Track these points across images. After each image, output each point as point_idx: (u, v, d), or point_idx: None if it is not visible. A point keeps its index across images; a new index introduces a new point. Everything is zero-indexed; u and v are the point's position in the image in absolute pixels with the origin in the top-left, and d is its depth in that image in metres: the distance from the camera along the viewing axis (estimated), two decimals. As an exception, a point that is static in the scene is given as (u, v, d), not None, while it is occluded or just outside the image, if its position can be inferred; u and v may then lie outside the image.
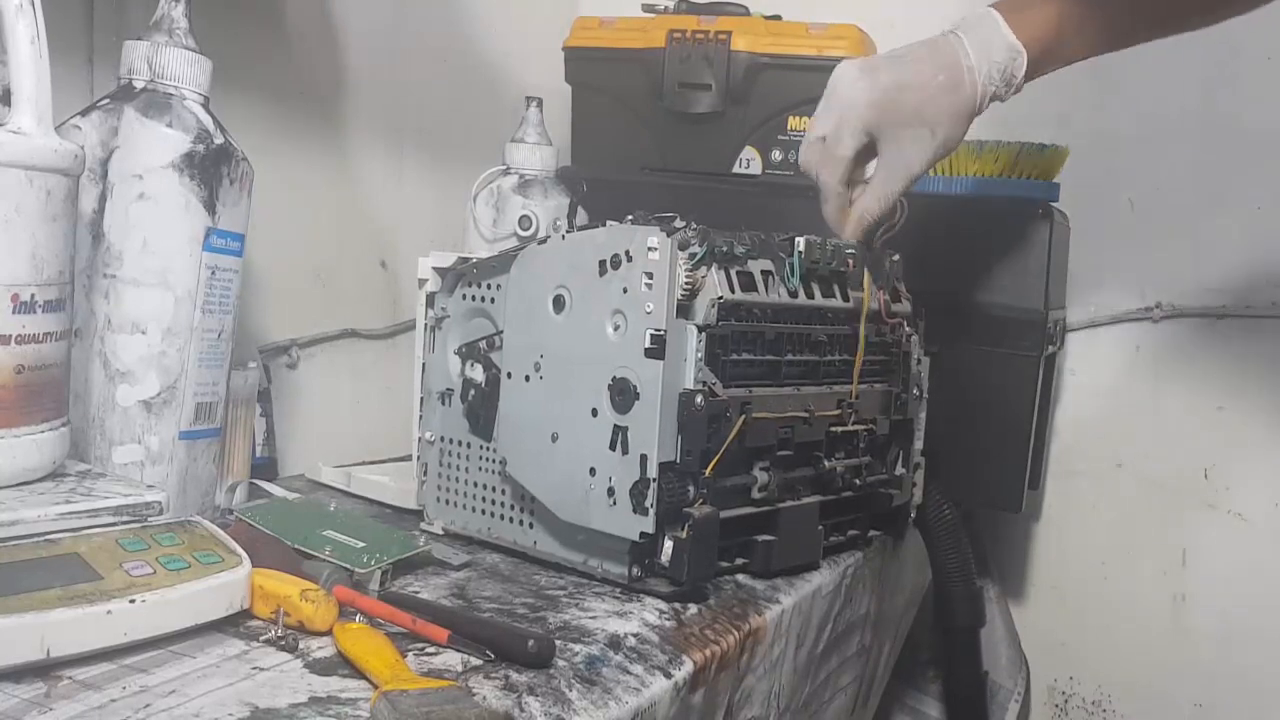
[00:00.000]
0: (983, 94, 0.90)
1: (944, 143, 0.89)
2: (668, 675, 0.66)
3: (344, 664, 0.61)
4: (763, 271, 0.80)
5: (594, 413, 0.75)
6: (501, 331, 0.83)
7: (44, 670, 0.55)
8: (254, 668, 0.59)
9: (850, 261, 0.86)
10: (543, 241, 0.81)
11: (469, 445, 0.86)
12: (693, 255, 0.74)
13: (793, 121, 1.22)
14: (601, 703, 0.61)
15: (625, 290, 0.74)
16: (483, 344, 0.85)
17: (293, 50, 1.08)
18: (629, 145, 1.28)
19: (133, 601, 0.58)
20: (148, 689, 0.55)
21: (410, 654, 0.62)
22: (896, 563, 1.05)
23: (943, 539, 1.12)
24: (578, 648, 0.66)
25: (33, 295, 0.64)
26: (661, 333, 0.72)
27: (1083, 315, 1.36)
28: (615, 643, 0.68)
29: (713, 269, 0.75)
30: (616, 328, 0.75)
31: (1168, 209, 1.31)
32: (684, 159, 1.26)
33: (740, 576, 0.82)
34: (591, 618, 0.71)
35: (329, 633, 0.64)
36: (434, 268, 0.88)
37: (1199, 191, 1.29)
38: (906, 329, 0.93)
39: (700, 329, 0.74)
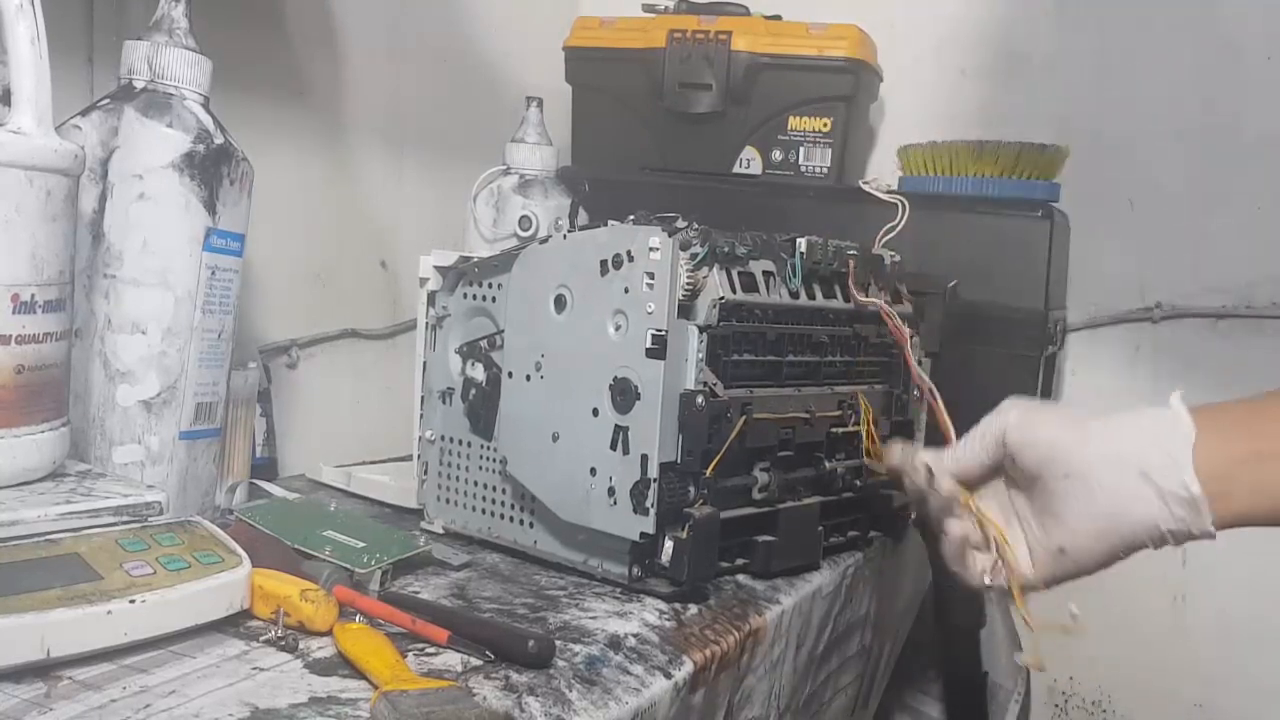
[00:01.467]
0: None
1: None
2: (668, 675, 0.66)
3: (344, 664, 0.61)
4: (764, 272, 0.80)
5: (595, 412, 0.75)
6: (502, 331, 0.83)
7: (44, 670, 0.55)
8: (254, 668, 0.59)
9: (851, 263, 0.86)
10: (544, 241, 0.81)
11: (470, 444, 0.86)
12: (694, 255, 0.74)
13: (793, 121, 1.22)
14: (601, 703, 0.61)
15: (627, 290, 0.74)
16: (484, 343, 0.85)
17: (293, 50, 1.08)
18: (629, 145, 1.28)
19: (133, 601, 0.58)
20: (148, 689, 0.55)
21: (410, 654, 0.62)
22: (896, 563, 1.05)
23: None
24: (578, 648, 0.66)
25: (33, 295, 0.64)
26: (663, 333, 0.72)
27: (1083, 315, 1.36)
28: (615, 643, 0.67)
29: (714, 269, 0.75)
30: (618, 328, 0.75)
31: (1168, 209, 1.31)
32: (684, 159, 1.26)
33: (740, 577, 0.82)
34: (591, 618, 0.71)
35: (329, 633, 0.64)
36: (435, 266, 0.88)
37: (1199, 191, 1.29)
38: (907, 330, 0.93)
39: (701, 329, 0.74)
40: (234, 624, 0.64)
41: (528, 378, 0.80)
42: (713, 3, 1.27)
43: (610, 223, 0.77)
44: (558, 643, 0.65)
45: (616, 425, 0.74)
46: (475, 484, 0.86)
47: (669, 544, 0.74)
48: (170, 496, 0.68)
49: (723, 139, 1.24)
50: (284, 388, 1.08)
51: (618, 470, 0.74)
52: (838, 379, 0.87)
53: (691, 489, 0.74)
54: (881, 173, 1.30)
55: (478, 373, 0.85)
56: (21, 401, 0.64)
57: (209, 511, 0.81)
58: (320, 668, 0.60)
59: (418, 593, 0.73)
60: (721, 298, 0.75)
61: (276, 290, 1.06)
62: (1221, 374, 1.30)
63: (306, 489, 1.01)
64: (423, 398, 0.90)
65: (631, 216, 0.78)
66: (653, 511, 0.72)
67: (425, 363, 0.90)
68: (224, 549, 0.65)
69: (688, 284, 0.73)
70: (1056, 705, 1.40)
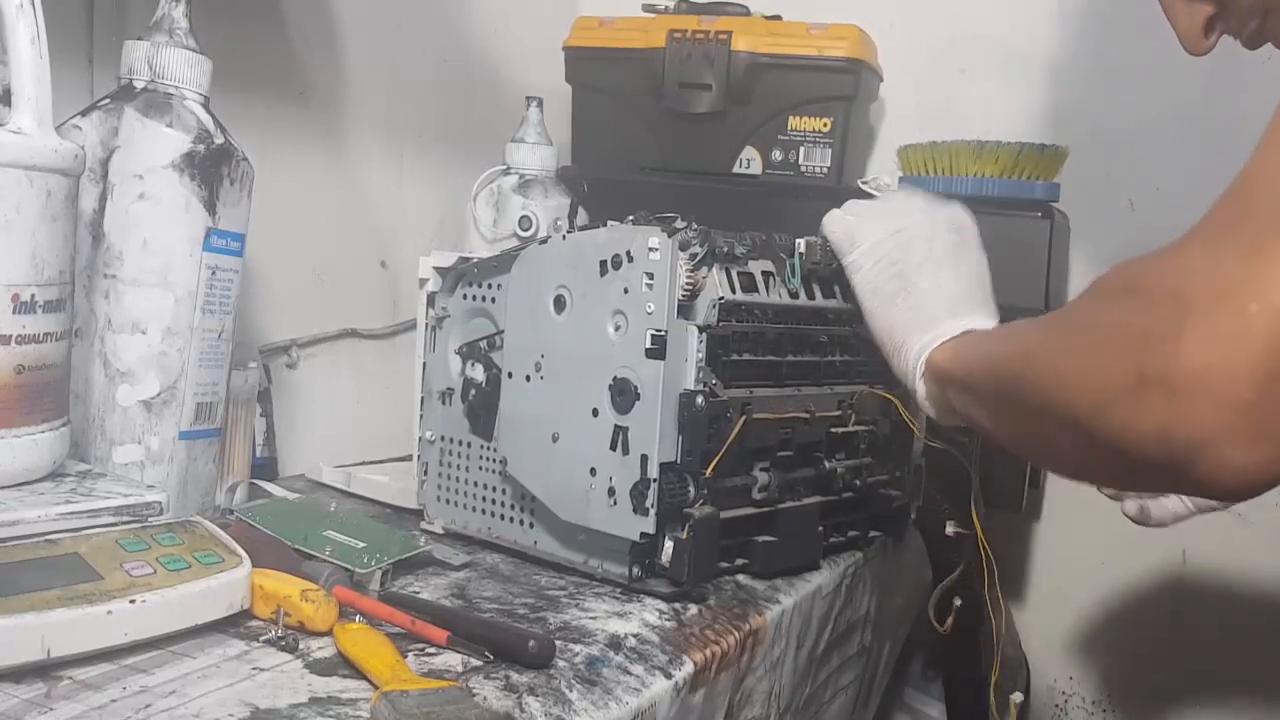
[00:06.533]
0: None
1: None
2: (668, 675, 0.66)
3: (344, 664, 0.61)
4: (763, 272, 0.80)
5: (595, 413, 0.75)
6: (502, 331, 0.83)
7: (44, 670, 0.55)
8: (254, 668, 0.59)
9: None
10: (544, 241, 0.81)
11: (469, 445, 0.86)
12: (694, 256, 0.74)
13: (793, 121, 1.22)
14: (602, 703, 0.61)
15: (626, 290, 0.74)
16: (483, 343, 0.85)
17: (293, 50, 1.08)
18: (629, 145, 1.28)
19: (133, 602, 0.58)
20: (148, 689, 0.55)
21: (410, 654, 0.62)
22: (897, 563, 1.05)
23: (943, 539, 1.11)
24: (578, 648, 0.66)
25: (33, 295, 0.64)
26: (662, 333, 0.72)
27: (1083, 315, 1.36)
28: (616, 643, 0.68)
29: (714, 269, 0.75)
30: (617, 328, 0.75)
31: (1168, 209, 1.31)
32: (684, 159, 1.26)
33: (740, 577, 0.82)
34: (592, 618, 0.71)
35: (329, 633, 0.64)
36: (435, 267, 0.88)
37: (1199, 191, 1.28)
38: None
39: (701, 329, 0.74)
40: (234, 624, 0.64)
41: (527, 378, 0.80)
42: (713, 3, 1.27)
43: (610, 223, 0.77)
44: (558, 643, 0.65)
45: (616, 425, 0.74)
46: (475, 484, 0.86)
47: (669, 544, 0.74)
48: (170, 496, 0.68)
49: (723, 139, 1.24)
50: (284, 388, 1.08)
51: (618, 470, 0.74)
52: (837, 379, 0.87)
53: (691, 489, 0.74)
54: (881, 173, 1.30)
55: (477, 373, 0.85)
56: (21, 401, 0.64)
57: (209, 511, 0.81)
58: (320, 668, 0.60)
59: (418, 593, 0.73)
60: (721, 298, 0.75)
61: (276, 290, 1.06)
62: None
63: (306, 489, 1.01)
64: (422, 398, 0.90)
65: (631, 217, 0.78)
66: (653, 511, 0.72)
67: (425, 363, 0.90)
68: (224, 549, 0.65)
69: (687, 284, 0.73)
70: (1056, 705, 1.40)
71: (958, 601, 0.84)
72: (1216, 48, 0.81)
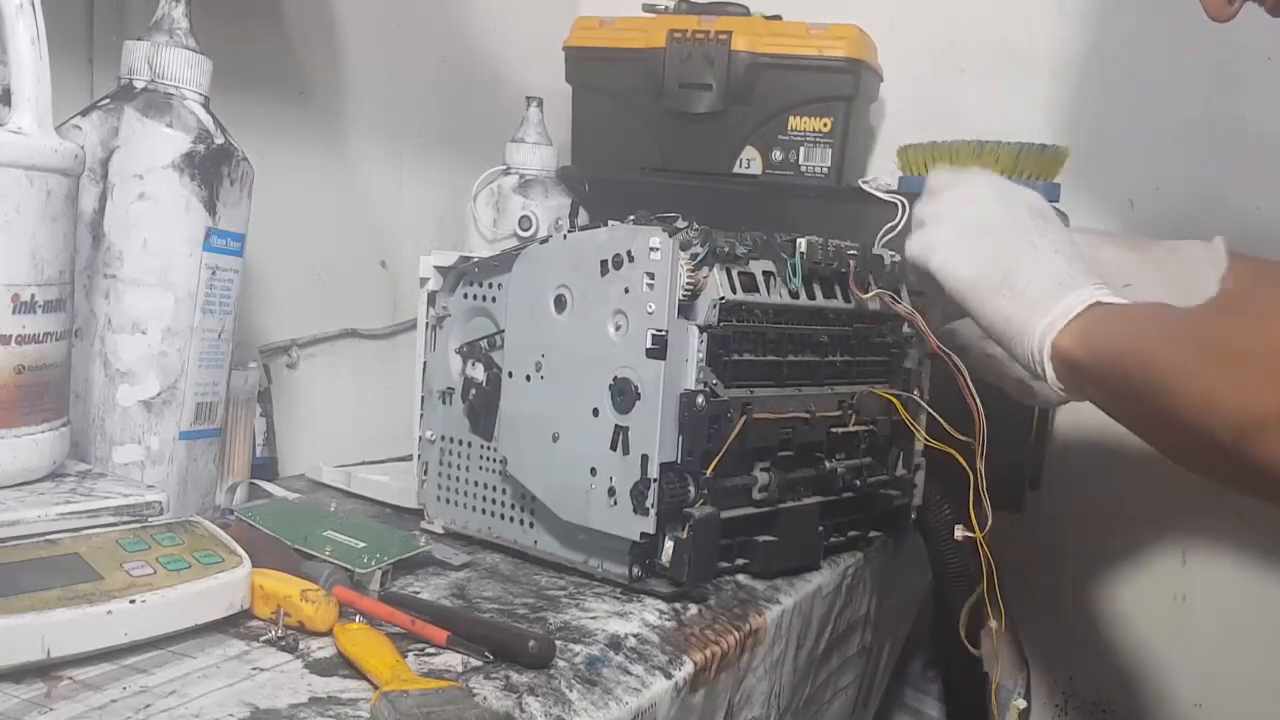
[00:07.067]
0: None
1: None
2: (668, 676, 0.66)
3: (344, 664, 0.61)
4: (764, 272, 0.80)
5: (595, 413, 0.75)
6: (503, 331, 0.83)
7: (44, 670, 0.55)
8: (254, 668, 0.59)
9: (851, 263, 0.86)
10: (545, 241, 0.81)
11: (470, 444, 0.86)
12: (694, 255, 0.74)
13: (793, 122, 1.22)
14: (602, 703, 0.61)
15: (627, 290, 0.74)
16: (484, 343, 0.85)
17: (293, 50, 1.08)
18: (629, 145, 1.28)
19: (133, 602, 0.58)
20: (148, 689, 0.55)
21: (410, 654, 0.62)
22: (897, 563, 1.05)
23: (943, 539, 1.12)
24: (578, 648, 0.66)
25: (33, 295, 0.64)
26: (663, 333, 0.72)
27: (1083, 315, 1.35)
28: (616, 643, 0.68)
29: (714, 269, 0.75)
30: (618, 328, 0.75)
31: (1168, 209, 1.31)
32: (684, 159, 1.26)
33: (741, 577, 0.82)
34: (592, 618, 0.71)
35: (329, 633, 0.64)
36: (436, 266, 0.88)
37: (1199, 191, 1.29)
38: (906, 330, 0.93)
39: (702, 329, 0.74)
40: (234, 624, 0.64)
41: (528, 378, 0.80)
42: (713, 3, 1.27)
43: (610, 223, 0.77)
44: (558, 643, 0.65)
45: (616, 425, 0.74)
46: (475, 484, 0.86)
47: (669, 544, 0.74)
48: (170, 496, 0.68)
49: (723, 139, 1.24)
50: (284, 388, 1.08)
51: (618, 470, 0.74)
52: (838, 379, 0.87)
53: (692, 489, 0.74)
54: (881, 173, 1.30)
55: (478, 373, 0.86)
56: (21, 401, 0.64)
57: (209, 511, 0.81)
58: (320, 668, 0.60)
59: (418, 593, 0.73)
60: (722, 298, 0.75)
61: (276, 290, 1.06)
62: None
63: (306, 489, 1.01)
64: (423, 398, 0.90)
65: (632, 217, 0.78)
66: (653, 511, 0.72)
67: (425, 363, 0.90)
68: (224, 549, 0.65)
69: (688, 284, 0.73)
70: (1056, 705, 1.40)
71: (993, 624, 0.84)
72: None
